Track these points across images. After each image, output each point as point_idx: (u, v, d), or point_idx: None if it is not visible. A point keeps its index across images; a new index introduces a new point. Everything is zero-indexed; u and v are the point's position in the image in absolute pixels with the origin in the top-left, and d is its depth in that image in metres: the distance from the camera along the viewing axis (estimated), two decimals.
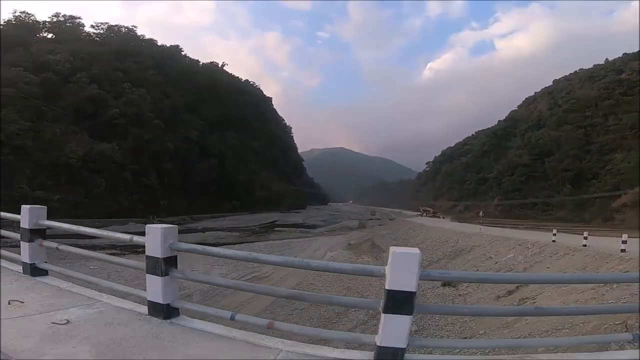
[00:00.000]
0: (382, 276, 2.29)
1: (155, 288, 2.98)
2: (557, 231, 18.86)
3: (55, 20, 62.00)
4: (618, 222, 49.64)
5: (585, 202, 59.61)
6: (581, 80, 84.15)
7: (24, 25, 54.85)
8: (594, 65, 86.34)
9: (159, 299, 2.96)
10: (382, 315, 2.27)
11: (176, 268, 3.03)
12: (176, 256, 3.04)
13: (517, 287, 11.54)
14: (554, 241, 16.77)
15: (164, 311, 2.96)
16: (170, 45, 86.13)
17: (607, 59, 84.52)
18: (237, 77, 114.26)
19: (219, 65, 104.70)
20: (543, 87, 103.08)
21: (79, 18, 65.69)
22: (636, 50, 74.21)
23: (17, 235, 4.38)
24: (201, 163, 63.99)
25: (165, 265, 2.93)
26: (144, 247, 3.04)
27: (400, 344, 2.27)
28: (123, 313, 3.12)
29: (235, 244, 31.45)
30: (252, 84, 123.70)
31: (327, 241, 36.49)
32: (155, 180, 52.12)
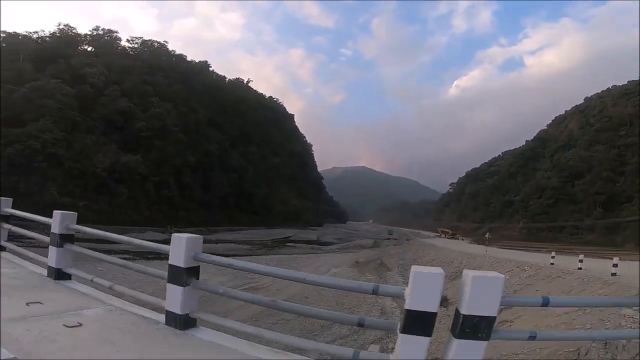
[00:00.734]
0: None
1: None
2: (584, 256, 17.33)
3: (95, 33, 66.09)
4: None
5: (617, 225, 55.78)
6: (614, 98, 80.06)
7: (65, 38, 58.67)
8: (628, 82, 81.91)
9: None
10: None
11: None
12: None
13: (502, 309, 11.04)
14: (552, 264, 16.18)
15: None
16: (199, 61, 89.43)
17: None
18: (261, 93, 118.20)
19: (245, 82, 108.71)
20: (574, 105, 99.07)
21: (116, 32, 69.96)
22: None
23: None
24: (221, 177, 65.76)
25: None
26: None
27: None
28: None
29: (244, 255, 31.64)
30: (275, 101, 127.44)
31: (336, 258, 35.87)
32: (176, 192, 53.99)
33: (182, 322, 2.92)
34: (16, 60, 46.38)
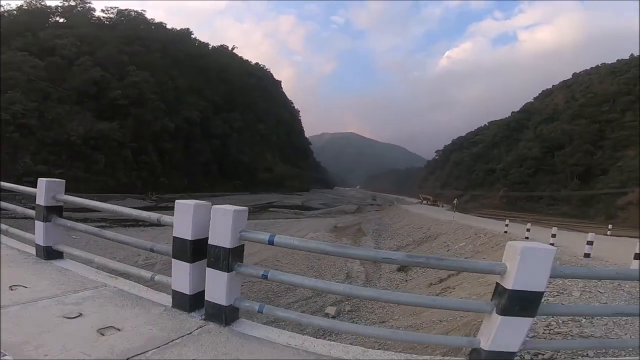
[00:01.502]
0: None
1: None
2: (558, 228, 16.70)
3: (66, 5, 63.37)
4: (621, 220, 48.16)
5: (591, 198, 57.77)
6: (602, 75, 79.92)
7: (34, 11, 56.24)
8: (617, 60, 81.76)
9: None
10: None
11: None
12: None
13: (449, 275, 11.71)
14: (505, 232, 16.68)
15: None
16: (181, 29, 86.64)
17: (632, 54, 79.53)
18: (247, 60, 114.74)
19: (229, 49, 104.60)
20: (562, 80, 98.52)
21: (89, 2, 66.92)
22: None
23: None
24: (203, 143, 65.07)
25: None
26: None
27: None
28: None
29: None
30: (262, 67, 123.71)
31: (316, 223, 36.02)
32: (156, 159, 53.56)
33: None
34: None
